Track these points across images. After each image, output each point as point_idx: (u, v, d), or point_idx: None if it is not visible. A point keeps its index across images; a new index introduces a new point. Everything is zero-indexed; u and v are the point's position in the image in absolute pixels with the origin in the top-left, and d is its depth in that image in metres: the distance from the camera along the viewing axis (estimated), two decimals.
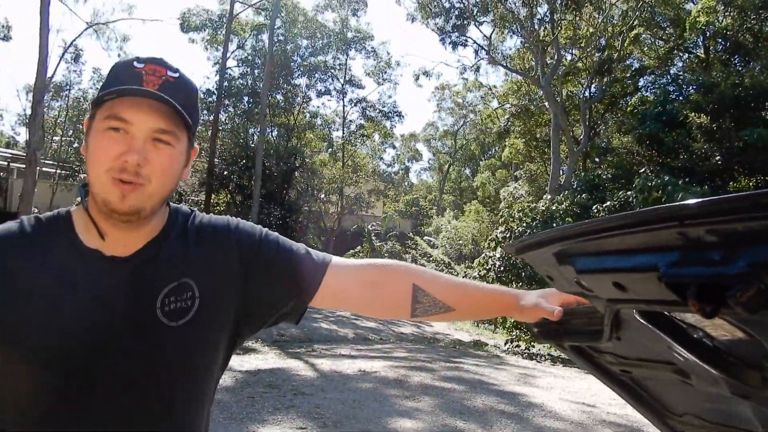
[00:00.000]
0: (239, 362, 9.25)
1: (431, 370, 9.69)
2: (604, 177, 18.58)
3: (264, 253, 1.19)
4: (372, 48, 30.94)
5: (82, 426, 1.00)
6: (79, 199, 1.12)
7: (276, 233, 1.26)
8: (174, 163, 1.07)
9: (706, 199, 0.67)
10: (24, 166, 18.34)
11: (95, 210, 1.06)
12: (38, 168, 15.73)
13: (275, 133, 29.17)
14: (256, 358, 9.75)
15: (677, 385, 1.10)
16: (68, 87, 29.96)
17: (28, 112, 27.79)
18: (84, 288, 1.03)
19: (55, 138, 27.50)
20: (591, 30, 25.03)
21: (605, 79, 25.28)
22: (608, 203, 15.92)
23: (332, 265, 1.23)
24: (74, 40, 28.07)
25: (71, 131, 28.44)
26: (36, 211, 19.02)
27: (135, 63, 1.04)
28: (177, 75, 1.06)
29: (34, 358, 0.98)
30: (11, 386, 1.00)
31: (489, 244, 18.96)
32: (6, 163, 26.69)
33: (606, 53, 24.90)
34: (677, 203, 0.71)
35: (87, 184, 1.11)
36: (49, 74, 17.63)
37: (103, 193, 1.01)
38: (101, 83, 1.08)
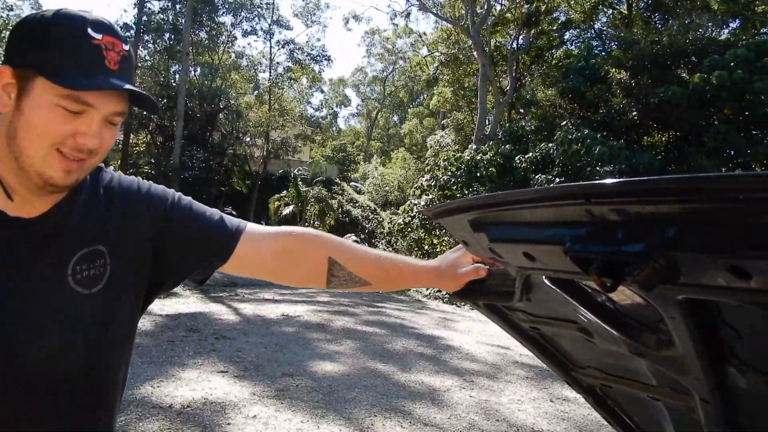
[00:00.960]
0: (160, 306, 9.13)
1: (354, 315, 9.89)
2: (527, 128, 18.99)
3: (175, 218, 1.16)
4: None
5: (9, 404, 0.97)
6: None
7: (189, 198, 1.23)
8: (116, 136, 1.04)
9: (613, 180, 0.71)
10: None
11: (3, 167, 0.98)
12: None
13: (198, 72, 28.08)
14: (177, 303, 9.64)
15: (581, 342, 1.18)
16: None
17: None
18: None
19: None
20: None
21: (532, 31, 25.58)
22: (530, 154, 16.37)
23: (246, 233, 1.21)
24: None
25: None
26: None
27: (91, 32, 0.94)
28: (128, 47, 1.01)
29: None
30: None
31: (414, 191, 19.25)
32: None
33: (534, 5, 25.11)
34: (586, 182, 0.75)
35: None
36: None
37: (43, 167, 0.95)
38: (42, 38, 0.95)
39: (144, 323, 7.83)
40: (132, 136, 24.44)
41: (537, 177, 15.17)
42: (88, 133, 0.96)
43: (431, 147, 30.59)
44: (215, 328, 7.88)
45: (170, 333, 7.39)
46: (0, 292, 0.96)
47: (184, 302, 9.77)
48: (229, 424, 4.46)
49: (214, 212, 1.22)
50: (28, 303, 0.98)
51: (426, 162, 24.64)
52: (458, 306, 12.80)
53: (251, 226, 1.24)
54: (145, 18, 25.43)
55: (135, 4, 25.29)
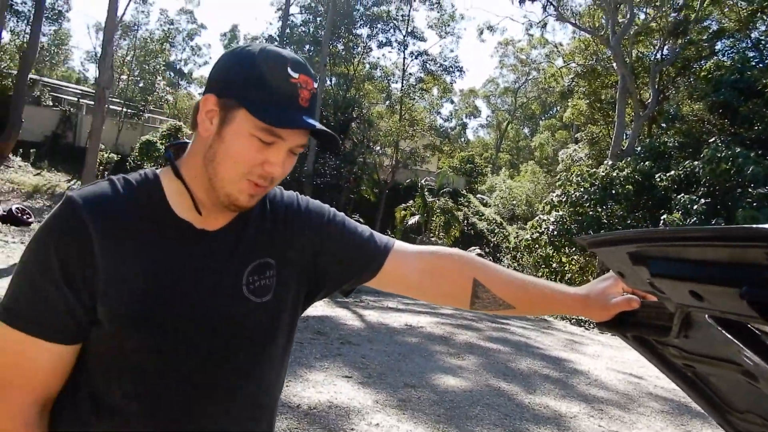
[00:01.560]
0: None
1: (477, 330, 9.76)
2: (670, 145, 17.90)
3: (332, 233, 1.23)
4: (436, 0, 30.25)
5: (171, 393, 1.04)
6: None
7: (342, 214, 1.29)
8: (293, 164, 1.12)
9: None
10: (93, 103, 18.90)
11: (197, 184, 1.08)
12: (107, 106, 16.17)
13: (334, 82, 29.12)
14: None
15: (743, 386, 1.08)
16: (136, 27, 30.58)
17: (98, 50, 28.52)
18: (181, 263, 1.05)
19: (122, 77, 28.12)
20: None
21: (679, 41, 24.11)
22: (673, 172, 15.40)
23: (394, 250, 1.26)
24: None
25: (137, 71, 29.04)
26: (103, 147, 19.67)
27: (290, 71, 1.02)
28: (316, 84, 1.09)
29: (132, 332, 1.01)
30: (105, 346, 1.04)
31: (544, 207, 18.71)
32: (76, 99, 27.59)
33: (683, 13, 23.68)
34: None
35: (174, 146, 1.15)
36: (119, 14, 17.92)
37: (233, 190, 1.05)
38: (246, 73, 1.02)
39: None
40: None
41: (679, 197, 14.21)
42: (275, 162, 1.04)
43: (563, 161, 29.68)
44: (341, 333, 8.08)
45: (299, 334, 7.67)
46: (181, 295, 1.04)
47: (313, 306, 10.10)
48: (352, 429, 4.53)
49: (365, 229, 1.29)
50: (206, 308, 1.06)
51: (557, 176, 23.92)
52: (587, 328, 12.26)
53: (399, 244, 1.29)
54: (288, 31, 26.81)
55: (279, 18, 26.80)
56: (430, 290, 1.29)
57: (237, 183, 1.04)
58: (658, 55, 25.49)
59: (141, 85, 28.36)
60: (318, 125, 1.04)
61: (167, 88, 30.12)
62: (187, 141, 1.14)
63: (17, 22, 27.84)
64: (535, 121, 59.17)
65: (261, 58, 1.02)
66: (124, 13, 22.52)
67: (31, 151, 21.26)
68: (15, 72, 22.26)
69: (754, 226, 0.72)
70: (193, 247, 1.08)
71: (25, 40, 24.10)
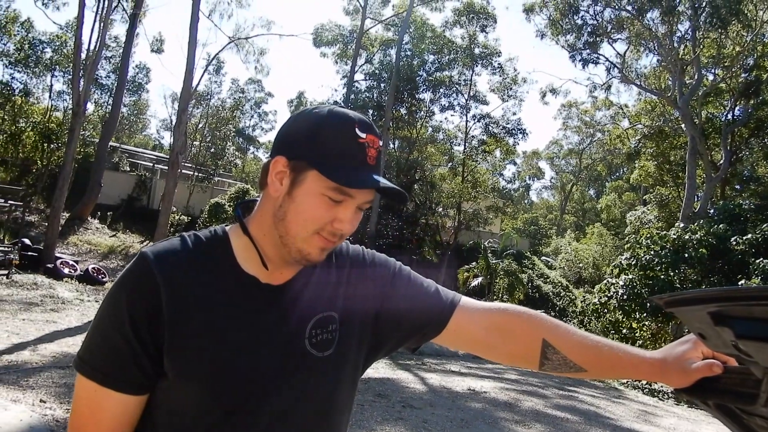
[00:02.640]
0: None
1: (544, 396, 9.39)
2: (745, 207, 17.17)
3: (396, 288, 1.22)
4: (498, 64, 30.53)
5: None
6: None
7: (408, 268, 1.28)
8: (360, 219, 1.13)
9: None
10: (167, 167, 19.83)
11: (266, 241, 1.11)
12: (179, 170, 16.92)
13: (397, 145, 29.62)
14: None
15: None
16: (209, 96, 32.22)
17: (173, 118, 30.15)
18: (246, 319, 1.07)
19: (194, 143, 29.48)
20: (737, 49, 23.37)
21: (751, 102, 23.48)
22: (750, 236, 14.72)
23: (461, 306, 1.23)
24: (218, 53, 30.26)
25: (209, 137, 30.39)
26: (174, 210, 20.49)
27: (358, 131, 1.05)
28: (381, 143, 1.12)
29: (197, 389, 1.03)
30: (170, 400, 1.06)
31: (612, 270, 18.11)
32: (151, 165, 29.02)
33: (753, 74, 23.13)
34: None
35: (243, 204, 1.18)
36: (193, 85, 18.96)
37: (304, 246, 1.06)
38: (316, 135, 1.05)
39: None
40: None
41: (758, 261, 13.52)
42: (344, 220, 1.06)
43: (631, 223, 28.88)
44: (402, 396, 7.93)
45: (360, 396, 7.57)
46: (246, 352, 1.05)
47: (374, 367, 9.99)
48: None
49: (431, 283, 1.27)
50: (269, 364, 1.07)
51: (626, 239, 23.23)
52: (660, 399, 11.61)
53: (465, 300, 1.26)
54: (352, 96, 27.63)
55: (344, 85, 27.69)
56: (497, 349, 1.25)
57: (308, 240, 1.06)
58: (729, 116, 24.83)
59: (212, 150, 29.59)
60: (387, 183, 1.05)
61: (236, 153, 31.32)
62: (256, 200, 1.17)
63: (101, 94, 29.79)
64: (601, 183, 58.13)
65: (329, 119, 1.05)
66: (198, 83, 23.74)
67: (108, 213, 22.28)
68: (97, 140, 23.68)
69: None
70: (258, 301, 1.09)
71: (107, 111, 25.66)
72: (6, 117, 25.93)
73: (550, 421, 7.62)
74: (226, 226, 1.17)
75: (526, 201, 61.59)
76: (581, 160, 53.54)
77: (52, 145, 24.29)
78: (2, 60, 27.48)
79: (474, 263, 24.24)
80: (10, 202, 18.50)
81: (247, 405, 1.04)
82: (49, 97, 28.60)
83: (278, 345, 1.08)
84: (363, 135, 1.05)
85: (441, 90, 29.76)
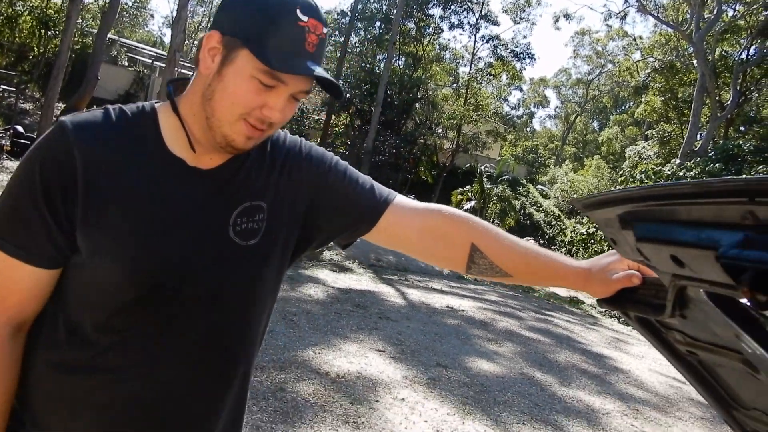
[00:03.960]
0: (333, 278, 9.61)
1: (519, 318, 9.62)
2: (744, 148, 17.05)
3: (331, 181, 1.19)
4: None
5: (144, 330, 1.04)
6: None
7: (346, 163, 1.24)
8: (295, 110, 1.09)
9: None
10: (165, 65, 19.41)
11: (194, 121, 1.06)
12: (177, 68, 16.56)
13: (402, 61, 28.93)
14: (350, 278, 10.08)
15: (747, 378, 1.00)
16: None
17: (174, 14, 29.25)
18: (169, 201, 1.04)
19: (195, 42, 28.75)
20: None
21: None
22: (745, 176, 14.68)
23: (394, 204, 1.21)
24: None
25: None
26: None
27: (299, 13, 0.98)
28: (326, 30, 1.05)
29: (113, 265, 1.00)
30: (81, 275, 1.03)
31: None
32: (150, 61, 28.40)
33: None
34: (752, 176, 0.62)
35: (176, 81, 1.11)
36: None
37: (229, 131, 1.02)
38: (254, 12, 0.99)
39: (318, 292, 8.30)
40: (333, 117, 25.91)
41: None
42: (274, 107, 1.01)
43: (630, 158, 28.72)
44: (380, 308, 8.11)
45: (339, 306, 7.74)
46: (164, 234, 1.03)
47: (357, 279, 10.18)
48: (377, 401, 4.55)
49: (366, 179, 1.24)
50: (189, 246, 1.05)
51: (621, 173, 23.17)
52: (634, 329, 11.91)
53: (400, 199, 1.23)
54: (360, 6, 26.74)
55: None
56: (427, 251, 1.24)
57: (233, 124, 1.01)
58: (744, 55, 24.23)
59: None
60: (322, 72, 1.00)
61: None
62: (190, 77, 1.11)
63: None
64: (605, 116, 57.43)
65: (273, 4, 0.99)
66: None
67: None
68: (95, 31, 23.07)
69: (735, 177, 0.66)
70: (182, 185, 1.05)
71: (107, 1, 24.88)
72: None
73: (521, 341, 7.83)
74: (156, 102, 1.12)
75: (528, 129, 60.98)
76: (588, 90, 52.66)
77: (49, 32, 23.74)
78: None
79: (469, 187, 24.27)
80: (3, 87, 18.20)
81: (163, 287, 1.03)
82: None
83: (200, 230, 1.05)
84: (305, 18, 0.99)
85: (452, 6, 28.75)
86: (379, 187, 1.24)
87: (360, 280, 10.11)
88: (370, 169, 23.04)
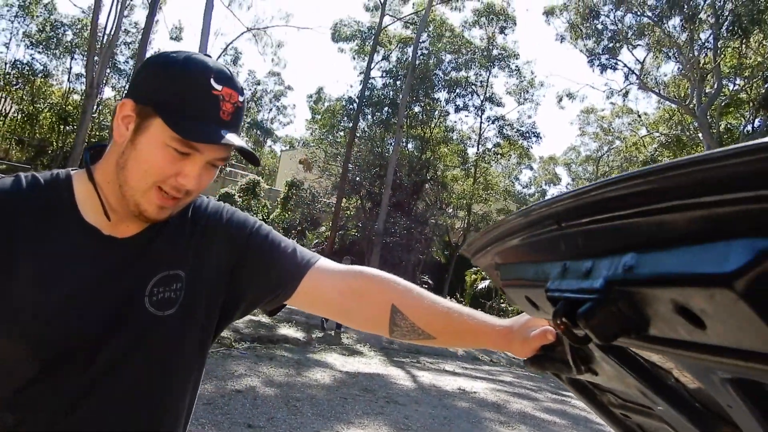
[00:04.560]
0: (342, 362, 9.40)
1: (534, 399, 9.28)
2: None
3: (252, 246, 1.16)
4: (516, 67, 30.31)
5: (56, 406, 0.99)
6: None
7: (269, 227, 1.22)
8: (213, 177, 1.08)
9: (574, 190, 0.53)
10: None
11: (109, 189, 1.04)
12: None
13: (410, 144, 29.52)
14: (360, 361, 9.85)
15: None
16: None
17: None
18: (79, 271, 1.00)
19: None
20: (759, 59, 22.98)
21: None
22: (550, 198, 14.49)
23: (315, 267, 1.17)
24: (232, 42, 30.37)
25: None
26: None
27: (213, 82, 0.98)
28: (243, 98, 1.05)
29: (18, 339, 0.96)
30: None
31: None
32: None
33: None
34: (556, 197, 0.58)
35: (93, 148, 1.10)
36: None
37: (141, 199, 1.00)
38: (166, 80, 0.99)
39: (324, 377, 8.09)
40: (344, 200, 26.20)
41: None
42: (189, 175, 1.00)
43: None
44: (388, 392, 7.86)
45: (345, 390, 7.52)
46: (73, 305, 0.99)
47: (366, 362, 9.95)
48: None
49: (289, 243, 1.20)
50: (99, 318, 1.00)
51: None
52: None
53: (322, 262, 1.19)
54: (367, 93, 27.57)
55: (361, 82, 27.60)
56: (350, 313, 1.19)
57: (146, 193, 0.99)
58: (749, 128, 24.45)
59: None
60: (235, 141, 0.98)
61: (249, 145, 31.31)
62: (106, 145, 1.09)
63: (119, 78, 30.09)
64: None
65: (183, 66, 0.99)
66: None
67: None
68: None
69: (543, 201, 0.62)
70: (96, 254, 1.02)
71: (123, 96, 25.92)
72: (25, 97, 26.36)
73: (536, 423, 7.51)
74: (73, 170, 1.10)
75: None
76: (598, 166, 53.01)
77: (68, 127, 24.65)
78: (24, 41, 27.95)
79: None
80: None
81: (69, 358, 0.98)
82: (68, 79, 29.02)
83: (112, 300, 1.01)
84: (218, 87, 0.99)
85: (457, 90, 29.57)
86: (302, 250, 1.20)
87: (370, 364, 9.88)
88: (382, 250, 23.04)
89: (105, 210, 1.03)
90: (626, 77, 27.07)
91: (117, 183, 1.02)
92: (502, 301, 23.53)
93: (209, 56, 1.04)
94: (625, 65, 26.87)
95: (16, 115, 27.42)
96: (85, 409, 0.99)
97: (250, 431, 5.24)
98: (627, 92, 28.80)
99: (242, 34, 27.87)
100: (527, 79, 30.71)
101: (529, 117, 33.50)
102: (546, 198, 0.63)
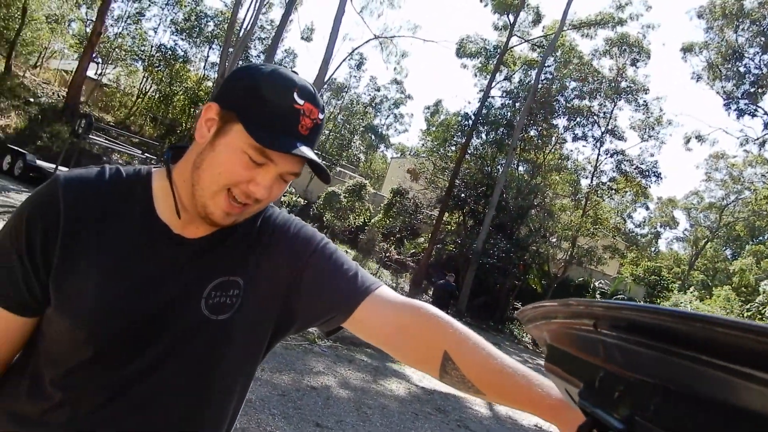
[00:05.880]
0: (420, 377, 9.32)
1: None
2: None
3: (313, 264, 1.15)
4: (644, 101, 28.87)
5: (95, 392, 1.02)
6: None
7: (335, 246, 1.20)
8: (283, 190, 1.09)
9: (627, 302, 0.48)
10: None
11: (184, 188, 1.07)
12: None
13: (521, 167, 28.97)
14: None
15: None
16: (346, 89, 33.37)
17: None
18: (144, 265, 1.04)
19: (324, 131, 30.59)
20: None
21: None
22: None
23: (374, 295, 1.13)
24: (358, 47, 31.12)
25: (343, 130, 31.43)
26: (293, 191, 21.27)
27: (296, 96, 1.01)
28: (323, 116, 1.07)
29: (77, 322, 1.01)
30: (47, 329, 1.04)
31: None
32: None
33: None
34: (600, 301, 0.52)
35: (176, 148, 1.13)
36: (328, 76, 19.62)
37: (209, 202, 1.03)
38: (252, 89, 1.01)
39: (399, 388, 8.06)
40: (447, 214, 26.11)
41: None
42: (261, 184, 1.02)
43: (765, 293, 26.39)
44: (461, 416, 7.71)
45: (418, 406, 7.45)
46: (132, 299, 1.02)
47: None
48: None
49: (352, 266, 1.18)
50: (155, 314, 1.03)
51: (751, 309, 21.27)
52: None
53: (382, 290, 1.15)
54: (484, 111, 27.36)
55: (479, 99, 27.45)
56: (401, 350, 1.14)
57: (215, 196, 1.02)
58: None
59: (339, 141, 30.55)
60: (309, 154, 1.00)
61: (361, 148, 32.02)
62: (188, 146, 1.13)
63: None
64: (739, 244, 53.67)
65: (270, 77, 1.02)
66: (334, 73, 24.63)
67: None
68: None
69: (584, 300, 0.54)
70: (162, 249, 1.05)
71: None
72: (164, 79, 28.42)
73: None
74: (155, 167, 1.14)
75: (652, 249, 58.13)
76: (721, 216, 49.75)
77: (197, 111, 26.32)
78: (170, 27, 30.16)
79: None
80: (147, 155, 20.04)
81: (119, 349, 1.02)
82: (204, 67, 30.93)
83: (171, 297, 1.04)
84: (301, 102, 1.01)
85: (577, 119, 28.71)
86: (363, 274, 1.17)
87: None
88: (477, 270, 22.73)
89: (177, 208, 1.07)
90: (766, 126, 25.23)
91: (191, 182, 1.04)
92: None
93: (296, 72, 1.06)
94: (766, 113, 25.05)
95: (154, 94, 29.60)
96: (128, 399, 1.02)
97: (318, 430, 5.29)
98: (764, 141, 26.80)
99: (369, 40, 28.55)
100: (654, 116, 29.25)
101: (652, 155, 31.87)
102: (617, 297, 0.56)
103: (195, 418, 1.08)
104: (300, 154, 0.98)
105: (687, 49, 25.90)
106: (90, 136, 16.84)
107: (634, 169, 28.66)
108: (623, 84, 28.71)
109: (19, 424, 1.03)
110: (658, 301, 36.36)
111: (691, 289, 42.93)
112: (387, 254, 24.99)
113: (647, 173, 28.61)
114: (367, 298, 1.13)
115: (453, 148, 28.74)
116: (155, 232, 1.06)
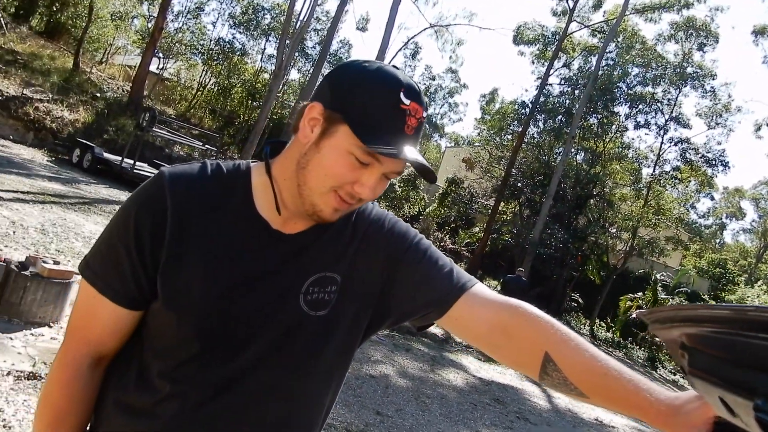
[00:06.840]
0: (477, 367, 9.27)
1: None
2: None
3: (408, 260, 1.13)
4: (711, 87, 27.64)
5: (202, 385, 1.03)
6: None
7: (429, 242, 1.19)
8: (385, 188, 1.08)
9: None
10: None
11: (285, 186, 1.07)
12: None
13: (579, 156, 28.30)
14: (495, 370, 9.66)
15: None
16: None
17: None
18: (245, 260, 1.04)
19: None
20: None
21: None
22: None
23: (470, 292, 1.11)
24: (413, 36, 31.03)
25: None
26: None
27: (403, 96, 0.99)
28: (426, 114, 1.05)
29: (185, 317, 1.02)
30: (155, 321, 1.07)
31: None
32: None
33: None
34: None
35: (273, 143, 1.13)
36: (386, 62, 19.68)
37: (319, 201, 1.03)
38: (358, 90, 1.00)
39: (457, 378, 8.03)
40: (502, 203, 25.79)
41: None
42: (366, 184, 1.01)
43: None
44: (520, 407, 7.63)
45: (476, 396, 7.41)
46: (235, 294, 1.03)
47: (502, 371, 9.73)
48: None
49: (446, 263, 1.16)
50: (257, 309, 1.04)
51: None
52: None
53: (478, 288, 1.12)
54: (542, 99, 26.84)
55: (537, 87, 26.95)
56: (497, 349, 1.10)
57: (324, 195, 1.02)
58: None
59: None
60: (419, 158, 0.98)
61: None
62: (286, 141, 1.12)
63: (305, 62, 32.09)
64: None
65: (375, 76, 1.00)
66: (390, 62, 24.53)
67: None
68: (293, 104, 25.65)
69: None
70: (261, 246, 1.06)
71: (308, 79, 27.60)
72: (222, 72, 29.03)
73: None
74: (253, 162, 1.15)
75: (717, 240, 56.08)
76: None
77: (254, 103, 26.74)
78: (228, 21, 30.78)
79: (640, 294, 22.59)
80: (207, 146, 20.49)
81: (225, 345, 1.03)
82: (261, 59, 31.42)
83: (271, 293, 1.05)
84: (407, 101, 0.98)
85: (639, 106, 27.77)
86: (459, 271, 1.15)
87: (505, 374, 9.65)
88: (534, 260, 22.40)
89: (277, 205, 1.07)
90: None
91: (295, 181, 1.04)
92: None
93: (399, 68, 1.04)
94: None
95: (213, 87, 30.26)
96: (231, 394, 1.03)
97: (378, 418, 5.32)
98: None
99: (425, 29, 28.46)
100: (722, 102, 28.02)
101: (719, 143, 30.59)
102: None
103: (292, 414, 1.10)
104: (410, 158, 0.97)
105: (759, 32, 24.68)
106: (153, 128, 17.32)
107: (700, 157, 27.58)
108: (689, 69, 27.62)
109: (129, 415, 1.05)
110: (723, 295, 35.06)
111: (759, 282, 41.20)
112: (441, 244, 24.90)
113: (713, 162, 27.49)
114: (463, 296, 1.10)
115: (509, 136, 28.34)
116: (255, 227, 1.07)
